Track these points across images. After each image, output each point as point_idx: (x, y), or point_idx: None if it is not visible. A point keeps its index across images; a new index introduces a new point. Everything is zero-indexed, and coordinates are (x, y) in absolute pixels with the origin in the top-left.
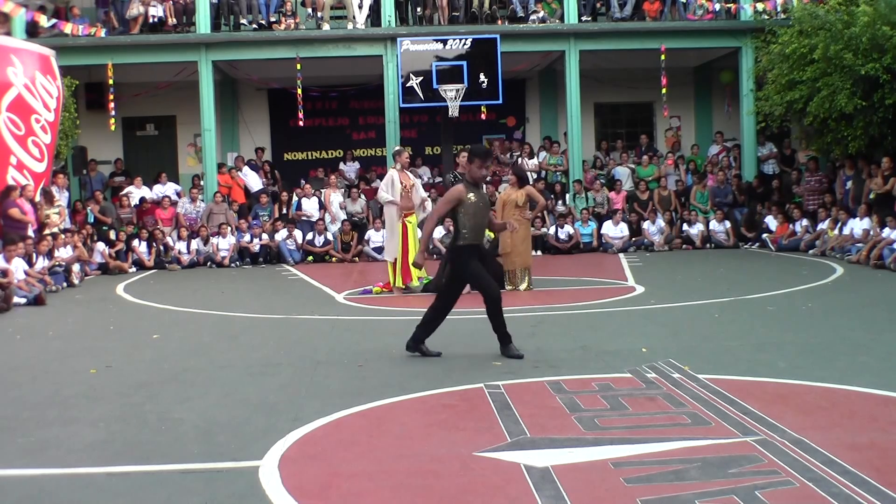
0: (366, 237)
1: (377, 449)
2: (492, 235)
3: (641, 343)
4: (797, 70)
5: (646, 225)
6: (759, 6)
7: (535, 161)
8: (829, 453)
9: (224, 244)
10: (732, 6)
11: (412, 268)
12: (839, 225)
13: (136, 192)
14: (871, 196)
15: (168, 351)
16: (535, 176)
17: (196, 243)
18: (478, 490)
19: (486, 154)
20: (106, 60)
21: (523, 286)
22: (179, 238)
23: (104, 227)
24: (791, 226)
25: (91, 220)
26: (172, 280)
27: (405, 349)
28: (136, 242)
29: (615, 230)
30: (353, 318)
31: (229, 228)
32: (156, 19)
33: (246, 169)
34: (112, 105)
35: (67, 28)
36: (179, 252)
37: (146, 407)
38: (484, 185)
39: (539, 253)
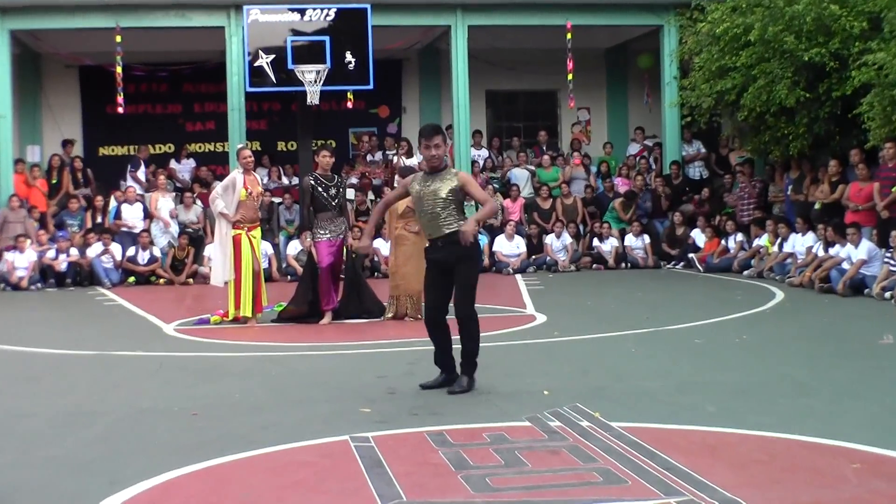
0: (204, 253)
1: None
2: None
3: (543, 384)
4: (729, 55)
5: (548, 240)
6: None
7: (413, 161)
8: None
9: (22, 261)
10: None
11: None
12: (779, 241)
13: None
14: (816, 207)
15: None
16: None
17: None
18: None
19: (433, 130)
20: None
21: (414, 316)
22: None
23: None
24: (722, 241)
25: None
26: None
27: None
28: None
29: (510, 246)
30: (187, 354)
31: (28, 241)
32: None
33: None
34: None
35: None
36: None
37: None
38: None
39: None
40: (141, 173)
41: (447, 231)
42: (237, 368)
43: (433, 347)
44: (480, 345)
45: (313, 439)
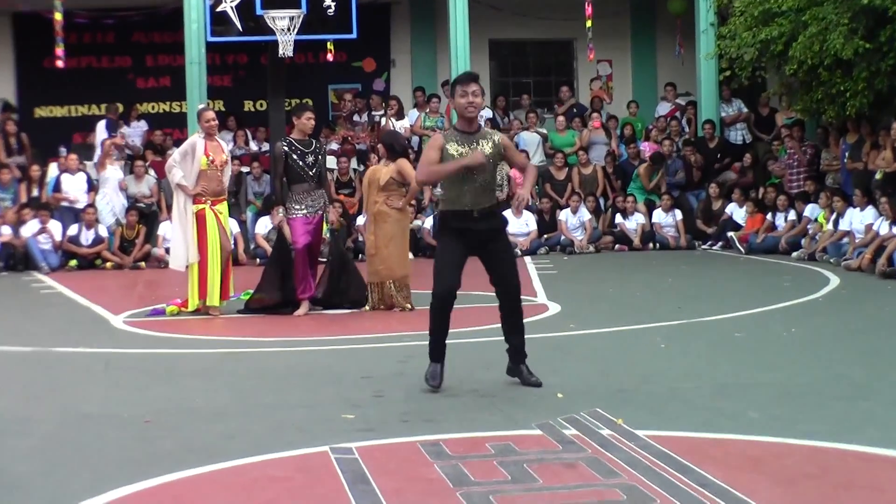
0: (158, 232)
1: None
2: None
3: (556, 386)
4: None
5: (562, 216)
6: None
7: (404, 123)
8: None
9: None
10: None
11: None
12: (833, 216)
13: None
14: (878, 176)
15: None
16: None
17: None
18: None
19: (467, 76)
20: None
21: (402, 305)
22: None
23: None
24: (767, 218)
25: None
26: None
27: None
28: None
29: (518, 223)
30: (138, 351)
31: None
32: None
33: None
34: None
35: None
36: None
37: None
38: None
39: (411, 256)
40: (137, 135)
41: (494, 201)
42: (197, 367)
43: (433, 337)
44: (480, 340)
45: (287, 450)
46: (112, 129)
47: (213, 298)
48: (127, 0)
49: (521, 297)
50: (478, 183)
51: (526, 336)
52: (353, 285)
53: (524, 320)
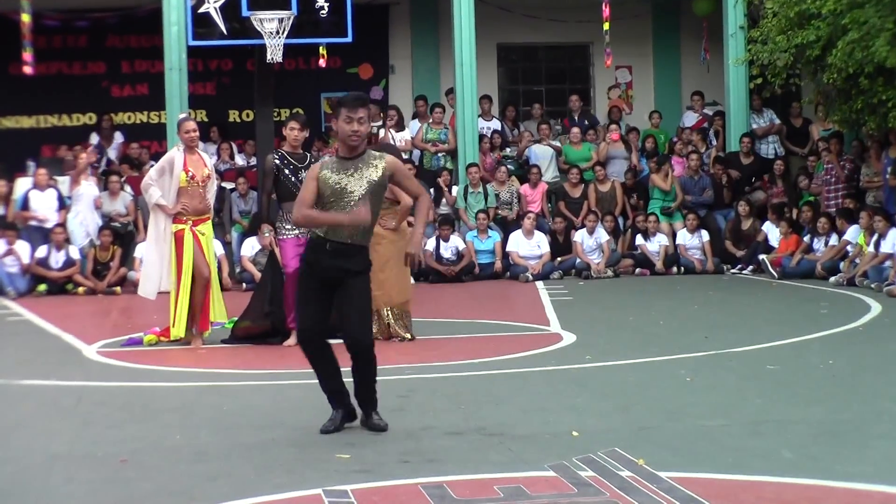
0: (134, 255)
1: None
2: None
3: (571, 423)
4: None
5: (578, 237)
6: None
7: (404, 135)
8: None
9: None
10: None
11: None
12: (875, 238)
13: None
14: None
15: None
16: (405, 157)
17: None
18: None
19: (356, 100)
20: None
21: (400, 335)
22: None
23: None
24: (802, 239)
25: None
26: None
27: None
28: None
29: (529, 245)
30: (113, 384)
31: None
32: None
33: None
34: None
35: None
36: None
37: None
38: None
39: (412, 281)
40: (113, 151)
41: (366, 235)
42: (177, 402)
43: (317, 379)
44: (487, 373)
45: (276, 493)
46: (103, 140)
47: (180, 329)
48: (101, 1)
49: (372, 349)
50: (347, 209)
51: (536, 368)
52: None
53: (375, 375)
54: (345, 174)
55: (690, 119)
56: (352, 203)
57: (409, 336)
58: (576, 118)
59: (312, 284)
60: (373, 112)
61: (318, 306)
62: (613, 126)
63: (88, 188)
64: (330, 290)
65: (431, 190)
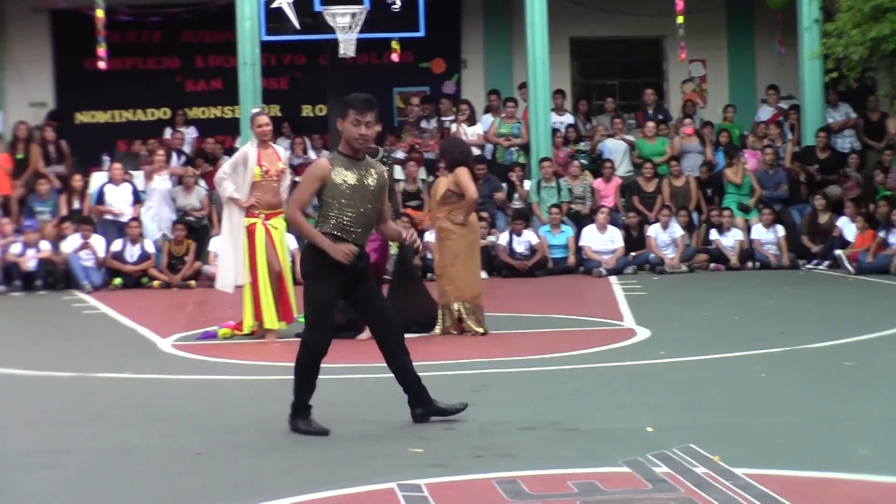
0: (209, 248)
1: None
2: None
3: (645, 419)
4: None
5: (652, 231)
6: None
7: (475, 129)
8: None
9: None
10: None
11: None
12: None
13: None
14: None
15: None
16: (477, 153)
17: None
18: None
19: (365, 102)
20: None
21: (472, 329)
22: None
23: None
24: (880, 234)
25: None
26: None
27: (290, 429)
28: None
29: (602, 240)
30: (188, 377)
31: None
32: None
33: None
34: None
35: None
36: None
37: None
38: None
39: (485, 275)
40: (186, 143)
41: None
42: (251, 396)
43: (302, 396)
44: (559, 368)
45: (348, 487)
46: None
47: (271, 321)
48: None
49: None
50: (361, 217)
51: (610, 364)
52: (418, 307)
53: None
54: (357, 172)
55: (765, 113)
56: (367, 202)
57: (480, 330)
58: (650, 112)
59: (334, 291)
60: (445, 107)
61: (333, 316)
62: (687, 120)
63: (162, 182)
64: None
65: (504, 185)
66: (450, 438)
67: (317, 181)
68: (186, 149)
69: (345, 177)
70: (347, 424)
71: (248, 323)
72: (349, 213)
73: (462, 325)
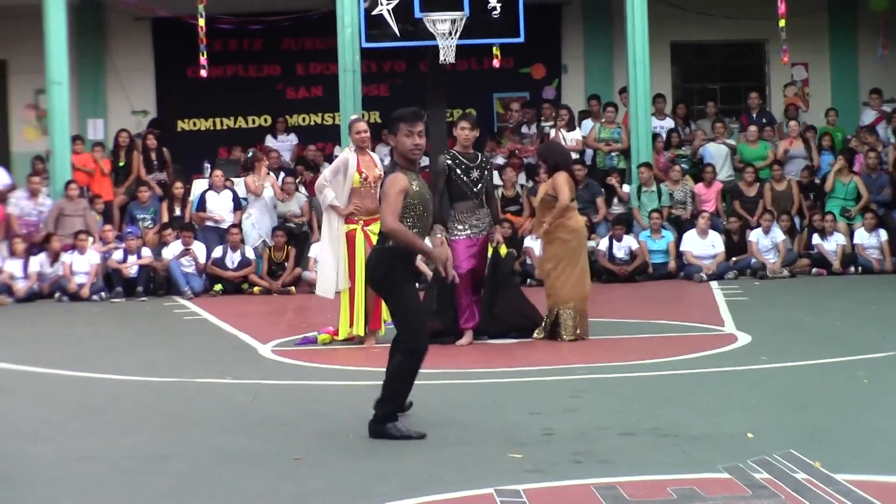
0: (309, 255)
1: None
2: (503, 250)
3: (746, 424)
4: None
5: (753, 236)
6: None
7: (575, 134)
8: None
9: (82, 264)
10: None
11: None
12: None
13: None
14: None
15: None
16: (575, 157)
17: (38, 262)
18: None
19: (414, 114)
20: None
21: (569, 335)
22: (11, 254)
23: None
24: None
25: None
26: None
27: (369, 435)
28: None
29: (703, 244)
30: (288, 382)
31: (90, 240)
32: None
33: None
34: None
35: None
36: (12, 276)
37: None
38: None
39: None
40: (286, 150)
41: None
42: (350, 401)
43: (407, 388)
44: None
45: (447, 492)
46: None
47: (359, 327)
48: (275, 4)
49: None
50: (427, 224)
51: (710, 369)
52: (516, 312)
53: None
54: (418, 180)
55: (868, 116)
56: (428, 208)
57: (577, 333)
58: (754, 116)
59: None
60: (545, 111)
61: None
62: (793, 123)
63: (264, 190)
64: None
65: (602, 189)
66: (548, 444)
67: (402, 193)
68: (286, 157)
69: (417, 186)
70: (446, 430)
71: (345, 329)
72: (425, 220)
73: (554, 331)
